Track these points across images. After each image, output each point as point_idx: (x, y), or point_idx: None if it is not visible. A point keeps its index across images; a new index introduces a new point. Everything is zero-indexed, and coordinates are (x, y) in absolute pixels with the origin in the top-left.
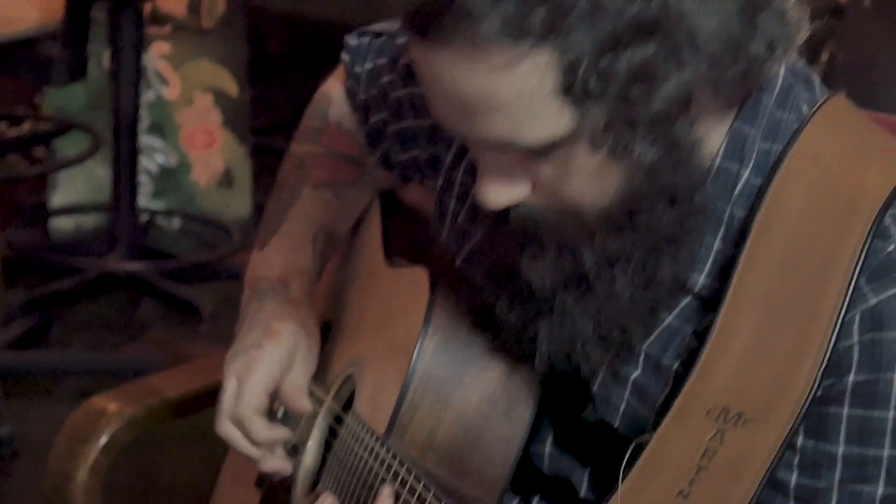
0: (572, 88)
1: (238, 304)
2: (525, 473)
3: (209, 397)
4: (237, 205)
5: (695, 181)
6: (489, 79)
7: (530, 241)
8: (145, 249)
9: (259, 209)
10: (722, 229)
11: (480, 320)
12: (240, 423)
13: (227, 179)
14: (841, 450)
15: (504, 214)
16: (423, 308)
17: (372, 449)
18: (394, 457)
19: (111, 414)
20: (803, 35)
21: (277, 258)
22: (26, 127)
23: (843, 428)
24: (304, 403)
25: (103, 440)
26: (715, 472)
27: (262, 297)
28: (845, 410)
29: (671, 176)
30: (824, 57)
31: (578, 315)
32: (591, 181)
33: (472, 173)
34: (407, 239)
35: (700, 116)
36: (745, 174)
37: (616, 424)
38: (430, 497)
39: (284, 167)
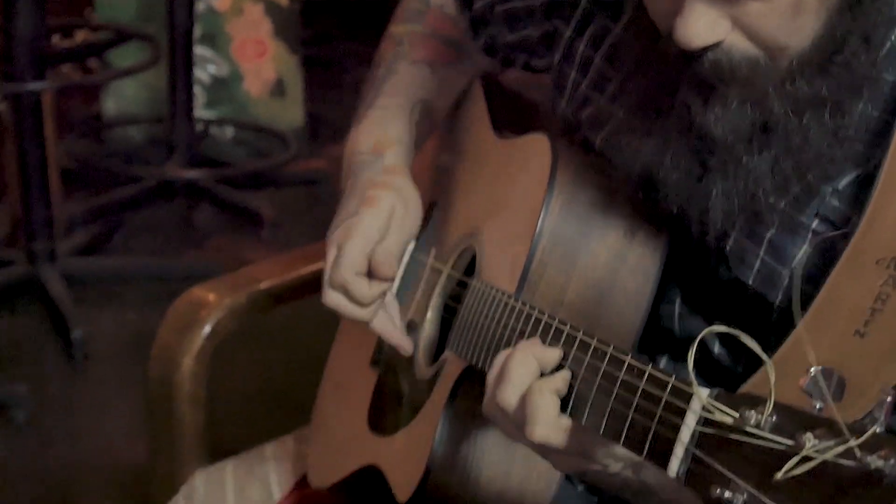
0: None
1: (296, 212)
2: (654, 334)
3: (307, 285)
4: (290, 114)
5: (887, 20)
6: None
7: (714, 90)
8: (200, 158)
9: (311, 119)
10: (866, 92)
11: (605, 181)
12: (342, 288)
13: (279, 89)
14: None
15: (684, 61)
16: (546, 171)
17: (505, 304)
18: (532, 307)
19: (213, 303)
20: None
21: (371, 131)
22: (79, 38)
23: None
24: (392, 269)
25: (207, 329)
26: (889, 313)
27: (358, 170)
28: None
29: (871, 13)
30: None
31: (757, 165)
32: (798, 14)
33: (595, 46)
34: (513, 115)
35: None
36: (893, 36)
37: (750, 282)
38: (579, 335)
39: (382, 47)
